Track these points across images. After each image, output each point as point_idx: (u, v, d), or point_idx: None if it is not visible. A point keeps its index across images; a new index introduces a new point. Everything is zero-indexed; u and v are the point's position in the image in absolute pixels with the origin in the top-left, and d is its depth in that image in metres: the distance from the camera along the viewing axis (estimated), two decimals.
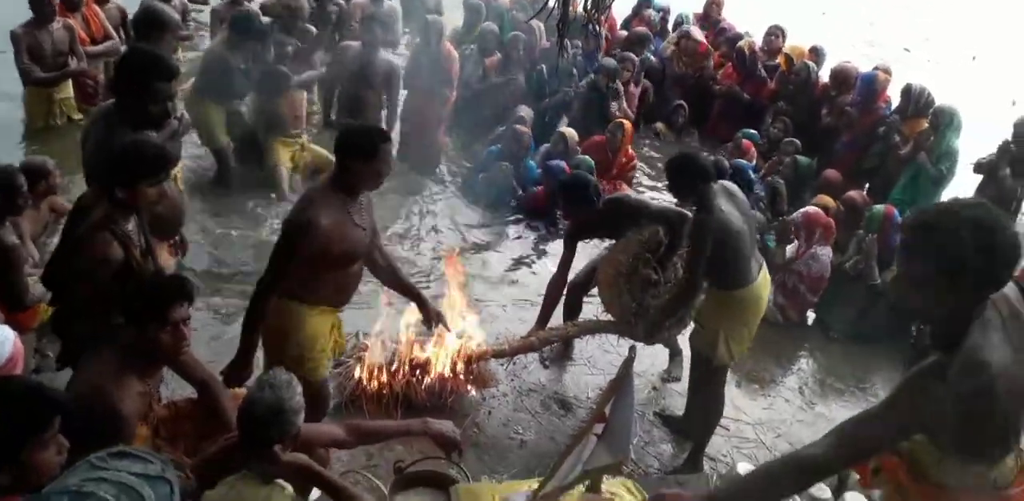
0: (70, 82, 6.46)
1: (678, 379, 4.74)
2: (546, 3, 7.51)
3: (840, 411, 4.93)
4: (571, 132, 6.73)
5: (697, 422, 4.19)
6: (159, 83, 3.30)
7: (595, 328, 4.50)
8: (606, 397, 3.06)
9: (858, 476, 3.00)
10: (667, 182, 4.01)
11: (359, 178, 3.19)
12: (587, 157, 6.38)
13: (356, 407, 4.19)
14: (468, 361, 4.30)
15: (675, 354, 4.84)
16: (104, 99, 6.70)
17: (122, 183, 2.87)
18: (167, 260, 3.72)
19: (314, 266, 3.22)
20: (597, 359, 4.94)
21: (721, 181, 3.88)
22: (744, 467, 3.78)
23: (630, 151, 6.88)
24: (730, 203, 3.76)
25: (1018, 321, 2.01)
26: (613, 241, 4.48)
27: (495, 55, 7.47)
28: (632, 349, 2.90)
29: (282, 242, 3.18)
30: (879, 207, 5.47)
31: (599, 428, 3.05)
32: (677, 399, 4.68)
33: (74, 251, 2.90)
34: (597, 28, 6.76)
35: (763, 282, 3.90)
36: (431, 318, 3.85)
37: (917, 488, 2.36)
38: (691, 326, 4.15)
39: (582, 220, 4.44)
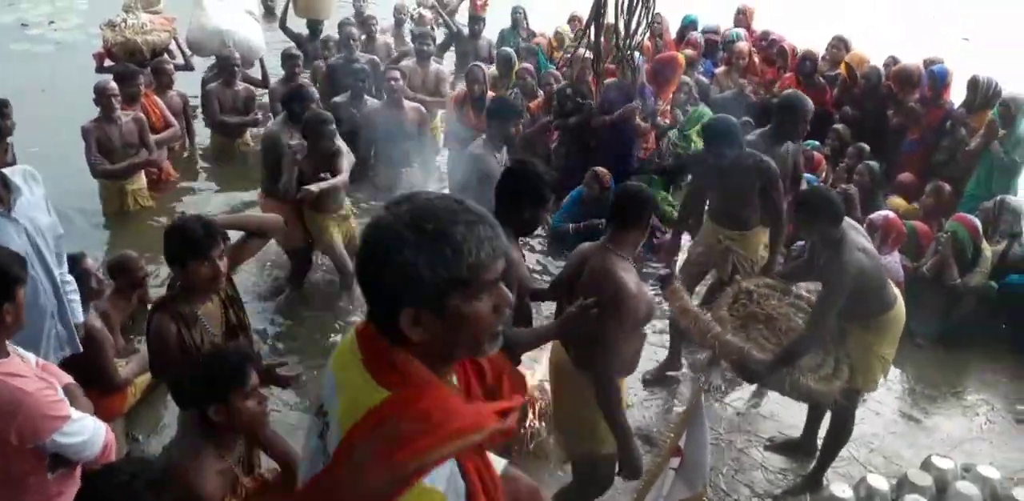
0: (142, 173, 6.64)
1: (719, 388, 4.44)
2: (578, 46, 7.60)
3: (936, 419, 4.72)
4: (603, 171, 6.38)
5: (828, 443, 4.01)
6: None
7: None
8: (679, 430, 2.99)
9: None
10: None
11: None
12: None
13: None
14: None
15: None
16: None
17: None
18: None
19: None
20: (683, 392, 4.56)
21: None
22: (839, 487, 3.62)
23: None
24: (856, 233, 3.69)
25: None
26: None
27: (538, 96, 7.49)
28: (698, 379, 2.84)
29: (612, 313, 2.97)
30: (956, 223, 5.27)
31: (675, 462, 2.98)
32: (763, 423, 4.51)
33: None
34: (633, 62, 6.77)
35: (899, 294, 3.86)
36: None
37: None
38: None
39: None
